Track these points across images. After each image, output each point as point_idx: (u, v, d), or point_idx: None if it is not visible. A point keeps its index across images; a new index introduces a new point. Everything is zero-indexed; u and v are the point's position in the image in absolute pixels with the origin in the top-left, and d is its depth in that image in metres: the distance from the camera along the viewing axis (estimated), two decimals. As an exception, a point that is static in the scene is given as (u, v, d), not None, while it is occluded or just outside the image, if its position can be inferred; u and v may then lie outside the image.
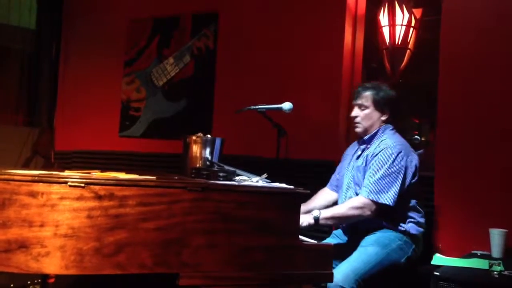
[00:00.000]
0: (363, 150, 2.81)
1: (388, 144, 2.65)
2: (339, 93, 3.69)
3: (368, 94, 2.77)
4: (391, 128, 2.80)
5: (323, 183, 3.10)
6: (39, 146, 4.83)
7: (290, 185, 2.23)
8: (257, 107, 2.75)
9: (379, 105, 2.76)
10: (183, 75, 4.42)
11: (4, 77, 5.19)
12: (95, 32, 4.97)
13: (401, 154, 2.61)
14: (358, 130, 2.82)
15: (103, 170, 2.33)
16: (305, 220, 2.49)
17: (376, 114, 2.77)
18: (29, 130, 4.86)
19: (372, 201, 2.56)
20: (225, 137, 2.65)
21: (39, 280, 3.03)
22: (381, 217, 2.61)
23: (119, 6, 4.85)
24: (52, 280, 2.79)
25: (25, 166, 4.68)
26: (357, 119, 2.79)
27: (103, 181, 1.83)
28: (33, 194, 1.76)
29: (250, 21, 4.15)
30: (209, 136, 2.59)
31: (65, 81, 5.11)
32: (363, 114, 2.78)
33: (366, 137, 2.80)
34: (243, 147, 3.87)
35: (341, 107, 3.70)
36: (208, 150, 2.56)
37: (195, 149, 2.57)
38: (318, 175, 3.40)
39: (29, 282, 3.08)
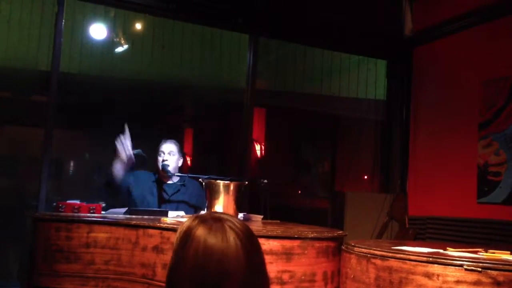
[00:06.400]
0: None
1: None
2: None
3: None
4: None
5: None
6: (394, 212, 4.97)
7: None
8: None
9: None
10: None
11: (360, 146, 5.64)
12: (444, 96, 4.92)
13: None
14: None
15: (487, 247, 2.18)
16: None
17: None
18: (384, 196, 5.08)
19: None
20: None
21: None
22: None
23: (470, 67, 4.70)
24: None
25: (382, 231, 4.87)
26: None
27: (501, 266, 1.68)
28: (428, 275, 1.74)
29: None
30: None
31: (416, 146, 5.19)
32: None
33: None
34: None
35: None
36: None
37: None
38: None
39: None
